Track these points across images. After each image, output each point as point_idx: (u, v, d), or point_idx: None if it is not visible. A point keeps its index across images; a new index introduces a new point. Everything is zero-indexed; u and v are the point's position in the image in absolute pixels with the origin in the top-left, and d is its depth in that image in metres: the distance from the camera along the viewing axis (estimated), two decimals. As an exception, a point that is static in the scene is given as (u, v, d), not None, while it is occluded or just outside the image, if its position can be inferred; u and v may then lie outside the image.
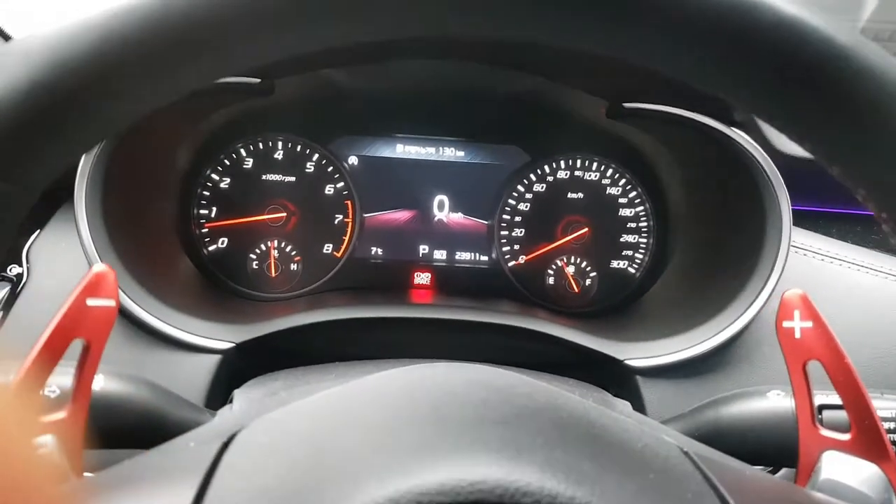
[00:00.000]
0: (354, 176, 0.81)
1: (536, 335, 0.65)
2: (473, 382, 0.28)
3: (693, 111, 0.64)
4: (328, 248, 0.81)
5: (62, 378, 0.31)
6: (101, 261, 0.58)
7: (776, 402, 0.41)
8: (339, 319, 0.64)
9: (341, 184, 0.81)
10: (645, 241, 0.81)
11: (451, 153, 0.82)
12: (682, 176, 0.76)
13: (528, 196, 0.82)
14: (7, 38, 0.72)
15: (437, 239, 0.82)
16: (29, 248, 0.63)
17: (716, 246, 0.72)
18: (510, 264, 0.82)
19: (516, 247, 0.82)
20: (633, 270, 0.81)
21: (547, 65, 0.66)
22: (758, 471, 0.32)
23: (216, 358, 0.58)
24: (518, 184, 0.82)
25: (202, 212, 0.79)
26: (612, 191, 0.82)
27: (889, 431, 0.39)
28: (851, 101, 0.23)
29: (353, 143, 0.81)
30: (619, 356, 0.62)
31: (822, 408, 0.39)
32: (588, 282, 0.81)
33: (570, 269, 0.81)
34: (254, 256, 0.79)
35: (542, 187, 0.82)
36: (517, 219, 0.82)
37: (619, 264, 0.81)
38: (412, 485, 0.20)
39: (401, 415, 0.25)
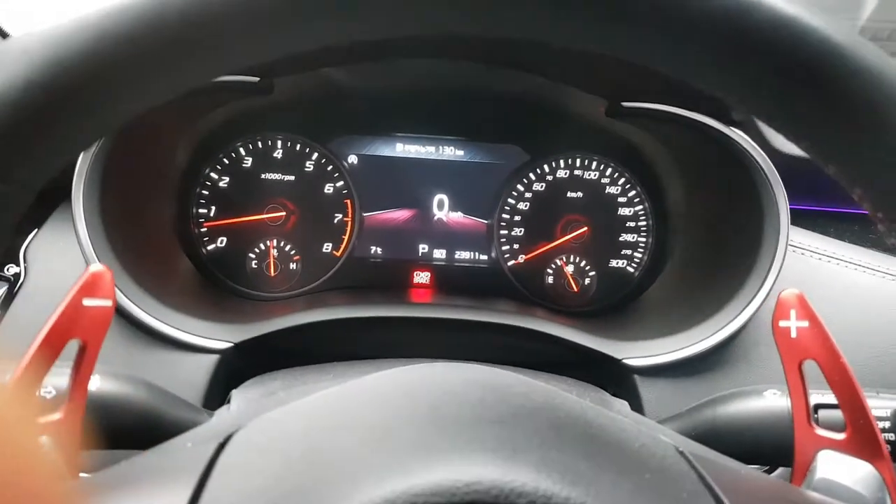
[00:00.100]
0: (354, 175, 0.80)
1: (535, 334, 0.65)
2: (471, 382, 0.28)
3: (692, 110, 0.64)
4: (327, 247, 0.81)
5: (58, 378, 0.31)
6: (99, 260, 0.58)
7: (773, 401, 0.42)
8: (338, 319, 0.64)
9: (341, 183, 0.80)
10: (644, 240, 0.81)
11: (450, 152, 0.82)
12: (681, 175, 0.76)
13: (528, 195, 0.82)
14: (6, 36, 0.72)
15: (436, 238, 0.82)
16: (26, 247, 0.63)
17: (714, 245, 0.72)
18: (509, 263, 0.82)
19: (516, 246, 0.82)
20: (632, 269, 0.81)
21: (546, 64, 0.66)
22: (753, 470, 0.32)
23: (214, 358, 0.58)
24: (517, 183, 0.82)
25: (201, 211, 0.79)
26: (612, 190, 0.82)
27: (884, 430, 0.39)
28: (848, 100, 0.23)
29: (352, 142, 0.81)
30: (618, 355, 0.62)
31: (818, 407, 0.40)
32: (587, 281, 0.81)
33: (570, 269, 0.81)
34: (253, 256, 0.79)
35: (542, 186, 0.82)
36: (517, 218, 0.82)
37: (618, 263, 0.81)
38: (408, 485, 0.20)
39: (398, 414, 0.25)
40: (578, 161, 0.82)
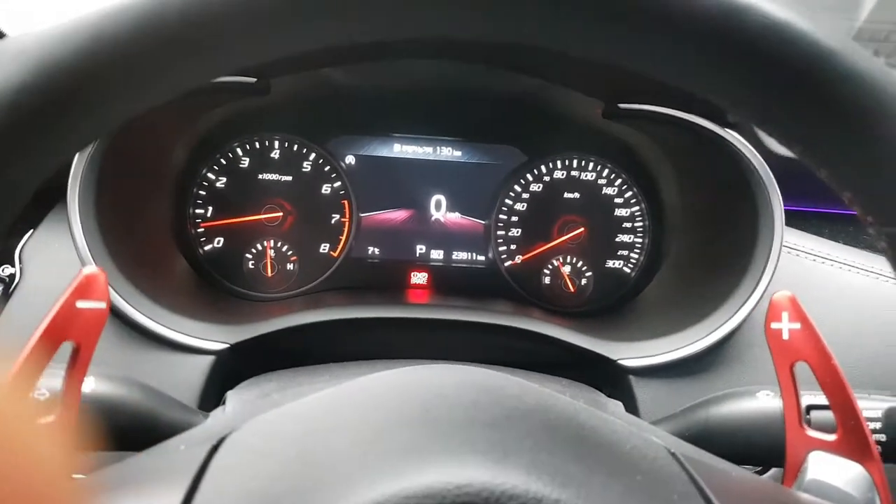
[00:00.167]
0: (351, 175, 0.81)
1: (531, 335, 0.65)
2: (464, 384, 0.28)
3: (688, 112, 0.65)
4: (325, 247, 0.81)
5: (52, 380, 0.31)
6: (94, 261, 0.58)
7: (765, 402, 0.42)
8: (335, 319, 0.64)
9: (338, 183, 0.81)
10: (640, 240, 0.81)
11: (448, 153, 0.82)
12: (677, 176, 0.76)
13: (525, 196, 0.82)
14: (2, 36, 0.72)
15: (433, 239, 0.82)
16: (22, 248, 0.63)
17: (710, 246, 0.72)
18: (507, 264, 0.82)
19: (513, 246, 0.82)
20: (628, 270, 0.82)
21: (544, 65, 0.66)
22: (744, 471, 0.33)
23: (210, 359, 0.58)
24: (515, 184, 0.82)
25: (198, 211, 0.79)
26: (608, 191, 0.82)
27: (876, 431, 0.39)
28: (838, 105, 0.23)
29: (349, 143, 0.81)
30: (613, 356, 0.62)
31: (810, 408, 0.40)
32: (584, 281, 0.82)
33: (567, 269, 0.81)
34: (250, 256, 0.79)
35: (539, 187, 0.82)
36: (514, 219, 0.82)
37: (614, 264, 0.82)
38: (399, 487, 0.20)
39: (391, 417, 0.26)
40: (575, 162, 0.82)
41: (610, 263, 0.81)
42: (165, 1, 0.21)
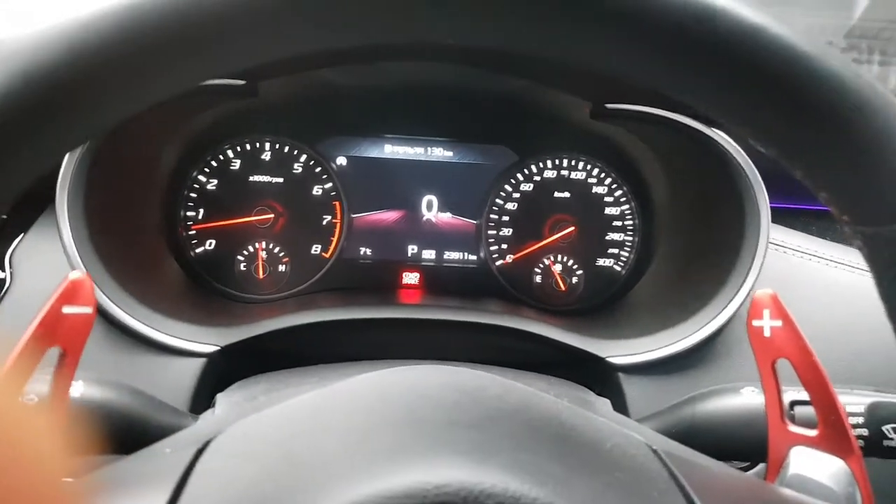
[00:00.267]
0: (342, 176, 0.81)
1: (522, 334, 0.66)
2: (447, 385, 0.28)
3: (674, 112, 0.65)
4: (316, 248, 0.81)
5: (40, 385, 0.31)
6: (84, 265, 0.57)
7: (749, 398, 0.42)
8: (327, 321, 0.64)
9: (329, 184, 0.81)
10: (630, 239, 0.82)
11: (439, 153, 0.83)
12: (665, 175, 0.77)
13: (516, 195, 0.82)
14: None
15: (425, 239, 0.83)
16: (12, 252, 0.63)
17: (697, 244, 0.72)
18: (498, 263, 0.82)
19: (504, 246, 0.82)
20: (618, 268, 0.82)
21: (533, 66, 0.66)
22: (726, 467, 0.33)
23: (201, 361, 0.58)
24: (506, 183, 0.82)
25: (189, 213, 0.79)
26: (598, 190, 0.82)
27: (858, 426, 0.40)
28: (812, 107, 0.23)
29: (340, 144, 0.81)
30: (602, 353, 0.63)
31: (794, 403, 0.40)
32: (575, 280, 0.82)
33: (557, 268, 0.82)
34: (241, 258, 0.79)
35: (530, 187, 0.82)
36: (505, 218, 0.82)
37: (605, 262, 0.82)
38: (379, 488, 0.20)
39: (373, 418, 0.26)
40: (565, 161, 0.82)
41: (600, 262, 0.82)
42: (156, 2, 0.21)
